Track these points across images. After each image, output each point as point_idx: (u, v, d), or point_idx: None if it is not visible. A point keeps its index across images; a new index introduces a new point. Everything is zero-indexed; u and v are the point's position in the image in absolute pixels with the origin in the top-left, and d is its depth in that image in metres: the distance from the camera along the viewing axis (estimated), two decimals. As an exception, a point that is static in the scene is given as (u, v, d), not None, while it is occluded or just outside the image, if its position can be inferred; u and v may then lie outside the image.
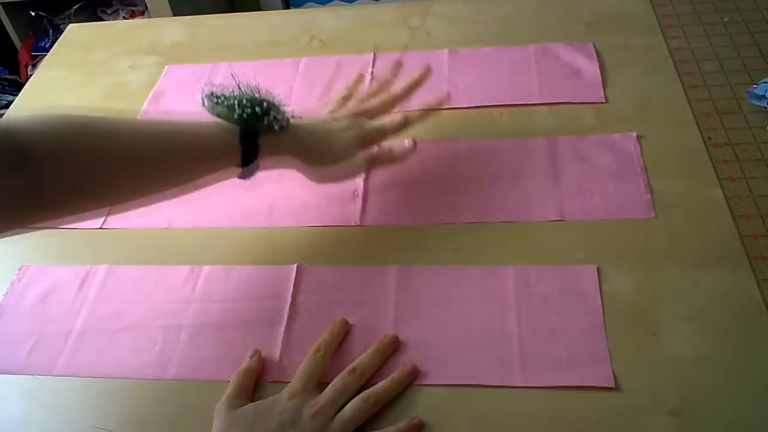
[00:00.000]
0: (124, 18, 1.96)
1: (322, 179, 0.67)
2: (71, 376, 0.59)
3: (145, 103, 0.86)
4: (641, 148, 0.70)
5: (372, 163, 0.69)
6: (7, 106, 1.62)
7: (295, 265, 0.64)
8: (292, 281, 0.63)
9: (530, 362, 0.55)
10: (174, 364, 0.58)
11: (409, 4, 0.95)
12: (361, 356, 0.55)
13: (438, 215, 0.67)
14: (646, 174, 0.67)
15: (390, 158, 0.69)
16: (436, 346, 0.57)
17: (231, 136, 0.58)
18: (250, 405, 0.52)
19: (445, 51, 0.86)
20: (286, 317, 0.60)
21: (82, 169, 0.52)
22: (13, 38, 2.02)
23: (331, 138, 0.65)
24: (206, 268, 0.65)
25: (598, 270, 0.60)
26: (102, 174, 0.53)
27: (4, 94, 2.03)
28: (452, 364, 0.56)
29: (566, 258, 0.62)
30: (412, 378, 0.55)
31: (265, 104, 0.59)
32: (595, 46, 0.83)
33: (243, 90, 0.59)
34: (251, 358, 0.57)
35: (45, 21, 2.00)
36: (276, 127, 0.60)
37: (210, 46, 0.94)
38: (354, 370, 0.54)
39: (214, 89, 0.59)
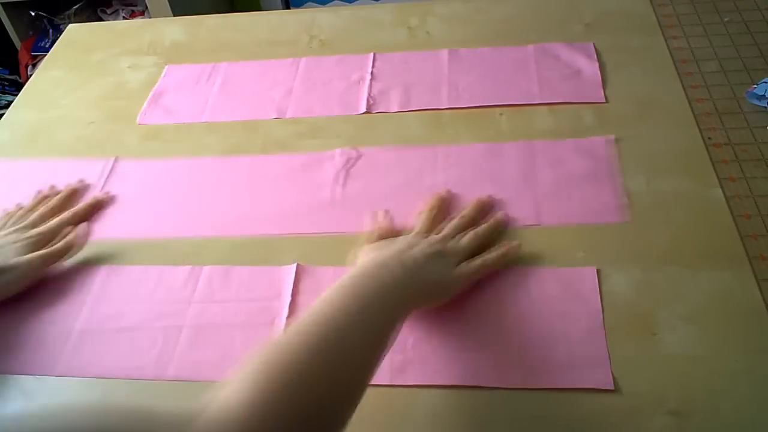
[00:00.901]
0: (124, 18, 1.96)
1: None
2: (71, 376, 0.59)
3: (145, 103, 0.86)
4: (622, 149, 0.70)
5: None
6: (7, 106, 1.61)
7: (295, 264, 0.64)
8: (292, 281, 0.63)
9: (529, 364, 0.55)
10: (174, 365, 0.58)
11: (409, 4, 0.95)
12: (465, 208, 0.65)
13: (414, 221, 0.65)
14: (623, 177, 0.67)
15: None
16: (436, 347, 0.57)
17: None
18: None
19: (445, 51, 0.86)
20: (285, 317, 0.60)
21: None
22: (13, 38, 2.02)
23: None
24: (206, 269, 0.65)
25: (598, 272, 0.60)
26: None
27: (4, 94, 2.02)
28: (451, 364, 0.56)
29: (566, 258, 0.62)
30: (507, 223, 0.65)
31: None
32: (595, 46, 0.83)
33: None
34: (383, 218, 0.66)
35: (45, 21, 2.00)
36: None
37: (210, 46, 0.94)
38: (463, 216, 0.64)
39: None
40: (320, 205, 0.70)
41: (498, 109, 0.78)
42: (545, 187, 0.68)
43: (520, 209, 0.66)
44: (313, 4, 2.25)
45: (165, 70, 0.91)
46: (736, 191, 1.61)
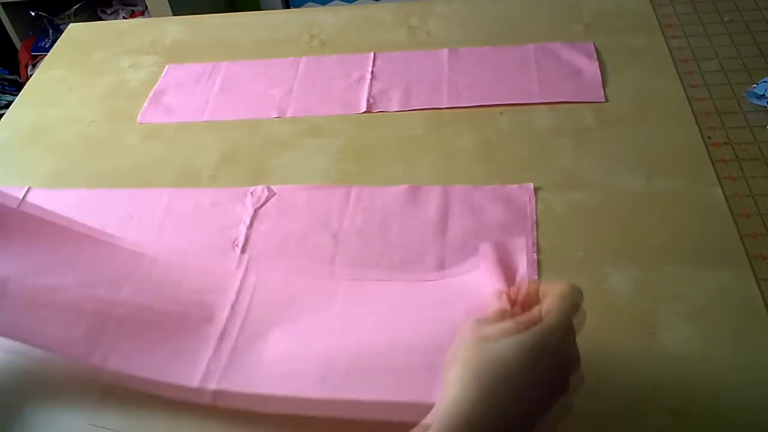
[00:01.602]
0: (124, 18, 1.96)
1: None
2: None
3: (146, 103, 0.86)
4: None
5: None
6: (7, 106, 1.61)
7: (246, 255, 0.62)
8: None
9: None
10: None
11: (409, 4, 0.95)
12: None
13: (320, 266, 0.62)
14: (537, 230, 0.64)
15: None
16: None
17: None
18: None
19: (445, 51, 0.86)
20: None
21: None
22: (13, 38, 2.02)
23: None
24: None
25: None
26: None
27: (4, 94, 2.02)
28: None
29: (565, 257, 0.62)
30: None
31: None
32: (595, 46, 0.83)
33: None
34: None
35: (45, 21, 2.00)
36: None
37: (210, 46, 0.94)
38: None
39: None
40: (223, 246, 0.65)
41: (498, 109, 0.78)
42: (455, 238, 0.64)
43: (422, 260, 0.61)
44: (313, 3, 2.25)
45: (165, 70, 0.91)
46: (736, 190, 1.61)
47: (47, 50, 1.69)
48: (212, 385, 0.53)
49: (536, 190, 0.68)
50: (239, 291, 0.59)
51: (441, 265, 0.61)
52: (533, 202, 0.66)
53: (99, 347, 0.55)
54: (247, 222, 0.68)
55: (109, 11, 2.01)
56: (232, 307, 0.58)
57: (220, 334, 0.56)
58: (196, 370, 0.54)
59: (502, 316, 0.43)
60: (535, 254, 0.61)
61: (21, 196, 0.73)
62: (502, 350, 0.38)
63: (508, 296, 0.45)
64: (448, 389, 0.38)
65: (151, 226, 0.68)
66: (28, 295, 0.56)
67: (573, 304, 0.42)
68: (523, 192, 0.67)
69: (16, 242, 0.59)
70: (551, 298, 0.42)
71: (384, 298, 0.57)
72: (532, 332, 0.40)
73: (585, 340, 0.56)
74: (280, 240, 0.66)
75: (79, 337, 0.55)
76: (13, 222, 0.59)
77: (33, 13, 1.99)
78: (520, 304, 0.45)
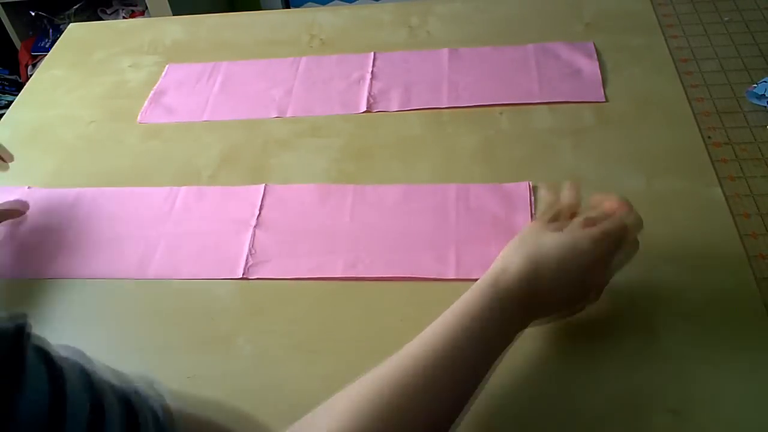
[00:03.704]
0: (124, 18, 1.96)
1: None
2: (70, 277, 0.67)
3: (146, 103, 0.86)
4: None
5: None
6: (7, 106, 1.61)
7: (263, 185, 0.72)
8: (260, 198, 0.71)
9: (464, 259, 0.62)
10: (153, 267, 0.66)
11: (409, 4, 0.95)
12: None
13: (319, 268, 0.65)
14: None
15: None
16: (385, 248, 0.65)
17: None
18: None
19: (445, 51, 0.86)
20: (253, 226, 0.68)
21: None
22: (13, 38, 2.02)
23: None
24: (183, 189, 0.73)
25: (531, 185, 0.67)
26: None
27: (4, 94, 2.02)
28: (397, 260, 0.63)
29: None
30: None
31: None
32: (595, 46, 0.83)
33: None
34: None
35: (45, 21, 2.00)
36: None
37: (210, 46, 0.94)
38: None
39: None
40: (231, 241, 0.68)
41: (498, 108, 0.78)
42: (461, 234, 0.65)
43: (431, 259, 0.63)
44: (313, 3, 2.25)
45: (165, 69, 0.91)
46: (736, 190, 1.61)
47: (47, 50, 1.69)
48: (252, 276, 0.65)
49: (535, 189, 0.68)
50: (261, 208, 0.70)
51: (442, 258, 0.64)
52: (531, 197, 0.67)
53: (151, 267, 0.67)
54: (253, 222, 0.70)
55: (109, 11, 2.01)
56: (257, 220, 0.69)
57: (251, 239, 0.68)
58: (237, 269, 0.65)
59: (557, 215, 0.55)
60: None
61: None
62: (548, 243, 0.51)
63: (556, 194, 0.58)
64: (511, 256, 0.50)
65: (151, 228, 0.71)
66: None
67: (619, 226, 0.53)
68: (520, 189, 0.68)
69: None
70: (607, 210, 0.55)
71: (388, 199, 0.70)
72: (572, 235, 0.52)
73: (585, 338, 0.56)
74: (283, 240, 0.68)
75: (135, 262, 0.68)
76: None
77: (33, 13, 1.99)
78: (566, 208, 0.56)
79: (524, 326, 0.50)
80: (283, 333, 0.60)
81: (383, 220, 0.67)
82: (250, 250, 0.66)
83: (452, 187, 0.69)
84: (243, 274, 0.65)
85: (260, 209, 0.70)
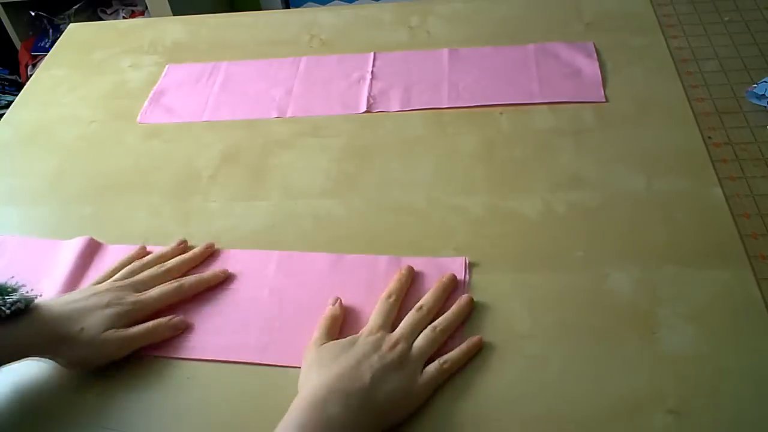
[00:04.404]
0: (124, 18, 1.96)
1: (74, 367, 0.58)
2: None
3: (146, 103, 0.86)
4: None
5: (140, 341, 0.58)
6: (7, 106, 1.61)
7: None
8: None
9: None
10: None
11: (409, 4, 0.95)
12: (425, 295, 0.59)
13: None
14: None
15: (157, 334, 0.59)
16: (304, 330, 0.59)
17: None
18: (334, 341, 0.56)
19: (446, 50, 0.86)
20: None
21: None
22: (13, 38, 2.02)
23: (84, 319, 0.56)
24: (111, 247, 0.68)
25: (468, 262, 0.63)
26: None
27: (4, 94, 2.02)
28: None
29: (565, 257, 0.62)
30: (470, 310, 0.59)
31: None
32: (595, 46, 0.83)
33: None
34: (333, 305, 0.59)
35: (45, 21, 2.00)
36: (6, 312, 0.51)
37: (210, 46, 0.94)
38: (421, 307, 0.58)
39: None
40: None
41: (498, 109, 0.78)
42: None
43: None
44: (313, 3, 2.25)
45: (166, 70, 0.91)
46: (736, 190, 1.61)
47: (47, 50, 1.69)
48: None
49: (471, 265, 0.62)
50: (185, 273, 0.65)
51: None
52: (466, 275, 0.62)
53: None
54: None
55: (109, 11, 2.01)
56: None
57: None
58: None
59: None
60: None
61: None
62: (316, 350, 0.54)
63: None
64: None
65: None
66: None
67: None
68: (455, 264, 0.63)
69: None
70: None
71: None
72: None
73: (585, 339, 0.56)
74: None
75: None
76: None
77: (33, 13, 1.99)
78: None
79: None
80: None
81: (305, 295, 0.62)
82: None
83: (383, 259, 0.64)
84: (146, 352, 0.59)
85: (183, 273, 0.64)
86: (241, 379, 0.57)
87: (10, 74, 2.09)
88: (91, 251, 0.68)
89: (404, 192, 0.71)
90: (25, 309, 0.53)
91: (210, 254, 0.66)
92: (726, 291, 0.57)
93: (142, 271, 0.63)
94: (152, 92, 0.87)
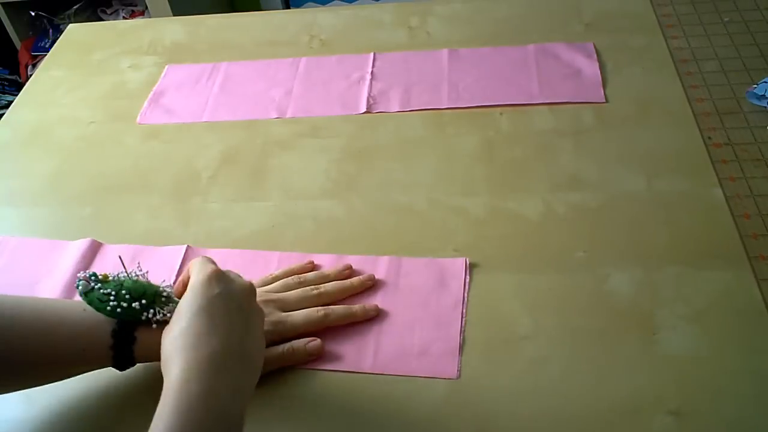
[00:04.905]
0: (124, 18, 1.96)
1: None
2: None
3: (145, 103, 0.86)
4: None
5: (274, 364, 0.56)
6: (7, 106, 1.61)
7: (185, 246, 0.67)
8: (180, 261, 0.66)
9: (383, 350, 0.57)
10: None
11: (409, 4, 0.95)
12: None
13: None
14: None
15: (293, 359, 0.56)
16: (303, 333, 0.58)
17: (103, 332, 0.50)
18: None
19: (445, 51, 0.86)
20: None
21: None
22: (13, 38, 2.02)
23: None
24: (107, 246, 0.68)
25: (468, 263, 0.62)
26: None
27: (4, 94, 2.02)
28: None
29: (565, 257, 0.62)
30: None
31: (148, 296, 0.51)
32: (595, 46, 0.83)
33: (127, 276, 0.52)
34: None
35: (45, 21, 2.00)
36: (153, 325, 0.51)
37: (210, 46, 0.94)
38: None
39: (98, 273, 0.51)
40: None
41: (498, 109, 0.78)
42: (383, 316, 0.60)
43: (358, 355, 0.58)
44: (313, 3, 2.25)
45: (165, 70, 0.91)
46: (736, 191, 1.61)
47: (47, 50, 1.69)
48: None
49: (472, 266, 0.62)
50: (179, 273, 0.64)
51: (362, 346, 0.58)
52: (466, 276, 0.62)
53: None
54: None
55: (109, 11, 2.01)
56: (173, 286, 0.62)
57: None
58: None
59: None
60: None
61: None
62: (178, 320, 0.47)
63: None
64: None
65: None
66: None
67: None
68: (456, 265, 0.62)
69: None
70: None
71: None
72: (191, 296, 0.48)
73: (586, 339, 0.56)
74: None
75: None
76: None
77: (33, 13, 1.99)
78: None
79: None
80: None
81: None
82: None
83: (383, 259, 0.63)
84: None
85: (177, 275, 0.64)
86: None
87: (10, 74, 2.09)
88: (92, 253, 0.68)
89: (404, 193, 0.71)
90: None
91: (370, 287, 0.62)
92: (726, 292, 0.57)
93: (297, 287, 0.60)
94: (152, 93, 0.87)
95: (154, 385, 0.57)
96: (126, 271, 0.52)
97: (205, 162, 0.77)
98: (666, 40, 0.83)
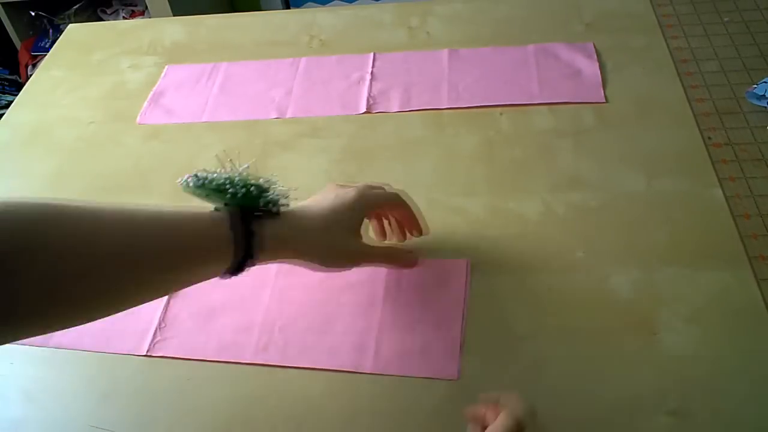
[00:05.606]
0: (124, 18, 1.96)
1: (319, 268, 0.57)
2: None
3: (145, 103, 0.86)
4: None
5: (374, 260, 0.60)
6: (7, 106, 1.61)
7: None
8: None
9: (384, 350, 0.57)
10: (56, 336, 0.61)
11: (409, 4, 0.95)
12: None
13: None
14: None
15: (393, 259, 0.61)
16: (301, 330, 0.59)
17: (223, 228, 0.49)
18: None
19: (445, 51, 0.86)
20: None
21: (59, 271, 0.42)
22: (13, 38, 2.02)
23: (330, 229, 0.55)
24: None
25: (469, 264, 0.62)
26: (82, 275, 0.43)
27: (4, 94, 2.03)
28: (313, 347, 0.58)
29: (565, 258, 0.62)
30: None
31: (261, 183, 0.51)
32: (595, 46, 0.83)
33: (233, 170, 0.52)
34: None
35: (45, 21, 2.00)
36: (275, 210, 0.51)
37: (210, 46, 0.94)
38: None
39: (199, 172, 0.51)
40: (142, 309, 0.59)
41: (498, 109, 0.78)
42: (384, 317, 0.60)
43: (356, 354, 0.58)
44: (313, 4, 2.25)
45: (165, 70, 0.91)
46: (736, 191, 1.61)
47: (47, 50, 1.69)
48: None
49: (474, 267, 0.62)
50: None
51: (361, 346, 0.58)
52: (468, 276, 0.62)
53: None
54: None
55: (109, 11, 2.01)
56: None
57: (163, 308, 0.63)
58: (142, 344, 0.60)
59: None
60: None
61: None
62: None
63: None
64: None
65: None
66: None
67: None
68: (458, 267, 0.62)
69: None
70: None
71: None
72: None
73: (586, 339, 0.56)
74: None
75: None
76: None
77: (33, 13, 1.99)
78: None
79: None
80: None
81: (306, 294, 0.62)
82: (159, 323, 0.61)
83: None
84: (147, 351, 0.59)
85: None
86: (241, 380, 0.57)
87: (10, 74, 2.09)
88: None
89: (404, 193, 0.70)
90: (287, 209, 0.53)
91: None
92: (726, 292, 0.57)
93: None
94: (152, 93, 0.87)
95: (154, 386, 0.58)
96: (225, 168, 0.52)
97: (205, 162, 0.77)
98: (666, 40, 0.83)
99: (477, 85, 0.81)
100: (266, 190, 0.51)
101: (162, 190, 0.75)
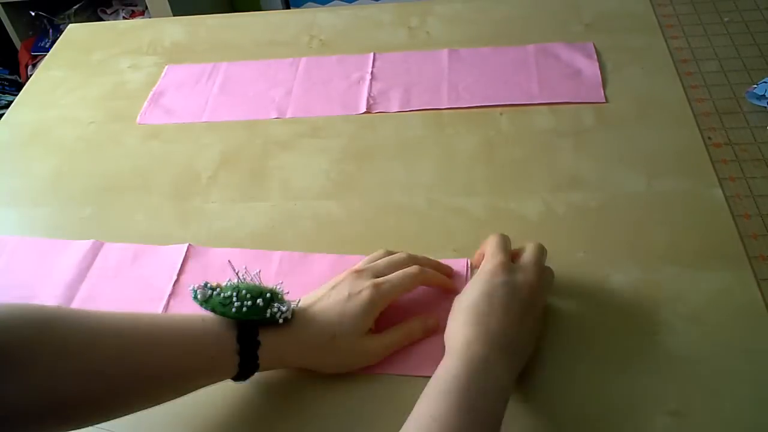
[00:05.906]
0: (124, 18, 1.96)
1: (329, 371, 0.56)
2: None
3: (145, 103, 0.86)
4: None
5: (394, 347, 0.57)
6: (7, 106, 1.61)
7: (186, 245, 0.67)
8: (181, 260, 0.66)
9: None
10: None
11: (409, 4, 0.95)
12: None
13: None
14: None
15: (411, 337, 0.58)
16: None
17: (228, 339, 0.50)
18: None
19: (445, 51, 0.86)
20: (168, 295, 0.63)
21: (59, 368, 0.44)
22: (13, 38, 2.02)
23: (333, 326, 0.54)
24: (106, 245, 0.68)
25: (469, 264, 0.62)
26: (85, 384, 0.46)
27: (4, 94, 2.03)
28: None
29: (565, 258, 0.62)
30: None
31: (267, 294, 0.51)
32: (595, 46, 0.83)
33: (241, 279, 0.52)
34: None
35: (45, 21, 2.01)
36: (280, 320, 0.51)
37: (210, 46, 0.94)
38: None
39: (209, 282, 0.52)
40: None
41: (498, 109, 0.78)
42: (382, 318, 0.58)
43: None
44: (313, 4, 2.25)
45: (165, 70, 0.91)
46: (736, 191, 1.61)
47: (47, 50, 1.69)
48: None
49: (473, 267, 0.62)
50: (180, 272, 0.65)
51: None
52: (468, 275, 0.62)
53: None
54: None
55: (109, 11, 2.01)
56: (173, 287, 0.64)
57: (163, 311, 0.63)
58: None
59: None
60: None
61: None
62: (465, 297, 0.54)
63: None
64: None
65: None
66: None
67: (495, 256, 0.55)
68: (458, 266, 0.62)
69: None
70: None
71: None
72: (480, 280, 0.54)
73: (586, 340, 0.56)
74: None
75: None
76: None
77: (33, 13, 1.99)
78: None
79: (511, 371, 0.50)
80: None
81: (305, 294, 0.59)
82: None
83: None
84: None
85: (179, 274, 0.64)
86: (240, 381, 0.57)
87: (10, 74, 2.09)
88: (93, 253, 0.68)
89: (404, 193, 0.71)
90: (292, 317, 0.53)
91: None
92: (726, 292, 0.57)
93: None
94: (151, 93, 0.87)
95: (154, 385, 0.57)
96: (237, 276, 0.52)
97: (205, 162, 0.77)
98: (666, 40, 0.83)
99: (477, 85, 0.81)
100: (272, 300, 0.51)
101: (162, 190, 0.75)
